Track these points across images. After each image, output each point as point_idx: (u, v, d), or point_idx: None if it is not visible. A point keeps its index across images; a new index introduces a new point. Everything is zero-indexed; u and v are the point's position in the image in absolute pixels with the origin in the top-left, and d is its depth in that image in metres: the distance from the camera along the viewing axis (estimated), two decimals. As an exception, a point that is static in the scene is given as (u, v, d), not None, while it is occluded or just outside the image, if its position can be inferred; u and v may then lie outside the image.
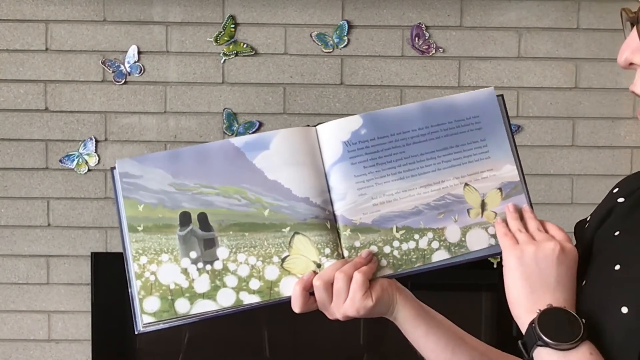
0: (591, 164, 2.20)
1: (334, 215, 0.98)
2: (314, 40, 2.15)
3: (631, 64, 0.79)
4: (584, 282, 0.88)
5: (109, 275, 2.14)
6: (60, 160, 2.15)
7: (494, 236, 0.97)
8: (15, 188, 2.16)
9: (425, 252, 0.97)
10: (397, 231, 0.98)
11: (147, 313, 0.94)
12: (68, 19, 2.13)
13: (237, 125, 2.16)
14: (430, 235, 0.98)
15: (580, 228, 0.96)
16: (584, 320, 0.82)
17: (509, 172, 0.99)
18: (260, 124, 2.16)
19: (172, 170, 0.98)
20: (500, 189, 0.99)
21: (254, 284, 0.96)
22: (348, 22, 2.14)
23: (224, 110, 2.15)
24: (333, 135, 1.00)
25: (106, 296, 2.14)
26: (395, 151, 0.99)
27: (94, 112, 2.15)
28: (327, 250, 0.97)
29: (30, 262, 2.18)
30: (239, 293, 0.95)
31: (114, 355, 2.19)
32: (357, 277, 0.93)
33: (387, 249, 0.97)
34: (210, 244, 0.96)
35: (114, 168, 0.98)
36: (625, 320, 0.80)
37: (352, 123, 1.00)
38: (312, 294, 0.95)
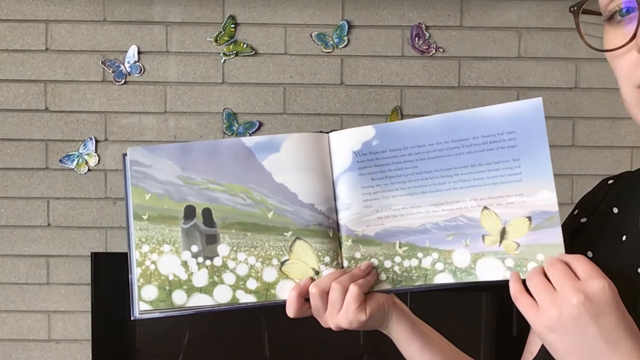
0: (591, 164, 2.20)
1: (338, 224, 0.97)
2: (314, 40, 2.15)
3: None
4: None
5: (109, 276, 2.14)
6: (60, 160, 2.15)
7: (511, 269, 0.89)
8: (15, 188, 2.16)
9: (428, 272, 0.94)
10: (400, 247, 0.95)
11: (144, 301, 0.95)
12: (68, 19, 2.13)
13: (237, 125, 2.15)
14: (435, 255, 0.94)
15: None
16: None
17: (546, 199, 0.87)
18: (260, 124, 2.16)
19: (182, 163, 0.97)
20: (529, 217, 0.88)
21: (251, 284, 0.96)
22: (348, 22, 2.14)
23: (224, 110, 2.15)
24: (344, 143, 0.97)
25: (106, 296, 2.14)
26: (407, 165, 0.95)
27: (94, 112, 2.15)
28: (327, 259, 0.96)
29: (30, 262, 2.18)
30: (235, 291, 0.96)
31: (114, 355, 2.19)
32: (353, 289, 0.92)
33: (387, 264, 0.96)
34: (212, 240, 0.97)
35: (126, 154, 0.98)
36: None
37: (365, 133, 0.96)
38: (307, 300, 0.95)
